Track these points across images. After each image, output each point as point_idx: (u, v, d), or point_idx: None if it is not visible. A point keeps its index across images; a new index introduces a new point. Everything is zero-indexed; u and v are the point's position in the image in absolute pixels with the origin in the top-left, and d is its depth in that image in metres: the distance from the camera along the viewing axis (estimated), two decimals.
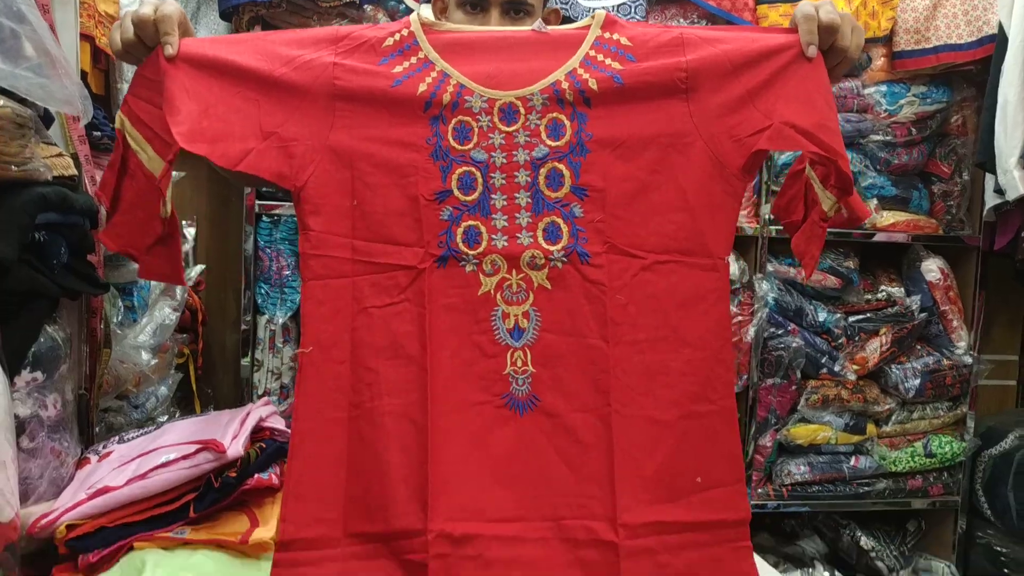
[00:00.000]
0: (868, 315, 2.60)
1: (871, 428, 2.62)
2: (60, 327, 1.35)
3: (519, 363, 1.10)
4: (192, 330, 2.28)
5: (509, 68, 1.11)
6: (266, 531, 1.20)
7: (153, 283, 1.87)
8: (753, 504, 2.54)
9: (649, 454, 1.10)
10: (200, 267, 2.13)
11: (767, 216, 2.50)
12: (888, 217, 2.59)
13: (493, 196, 1.11)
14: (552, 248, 1.11)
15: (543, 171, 1.11)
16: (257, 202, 2.27)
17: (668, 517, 1.09)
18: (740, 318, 2.48)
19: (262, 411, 1.40)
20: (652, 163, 1.11)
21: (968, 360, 2.64)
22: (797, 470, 2.57)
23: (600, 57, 1.12)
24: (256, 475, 1.26)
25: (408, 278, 1.10)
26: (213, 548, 1.20)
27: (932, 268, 2.61)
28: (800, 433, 2.57)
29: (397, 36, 1.12)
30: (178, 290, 1.99)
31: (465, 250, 1.10)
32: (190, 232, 2.34)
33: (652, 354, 1.10)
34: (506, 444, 1.09)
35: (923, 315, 2.61)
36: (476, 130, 1.11)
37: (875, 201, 2.58)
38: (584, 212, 1.11)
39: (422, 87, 1.10)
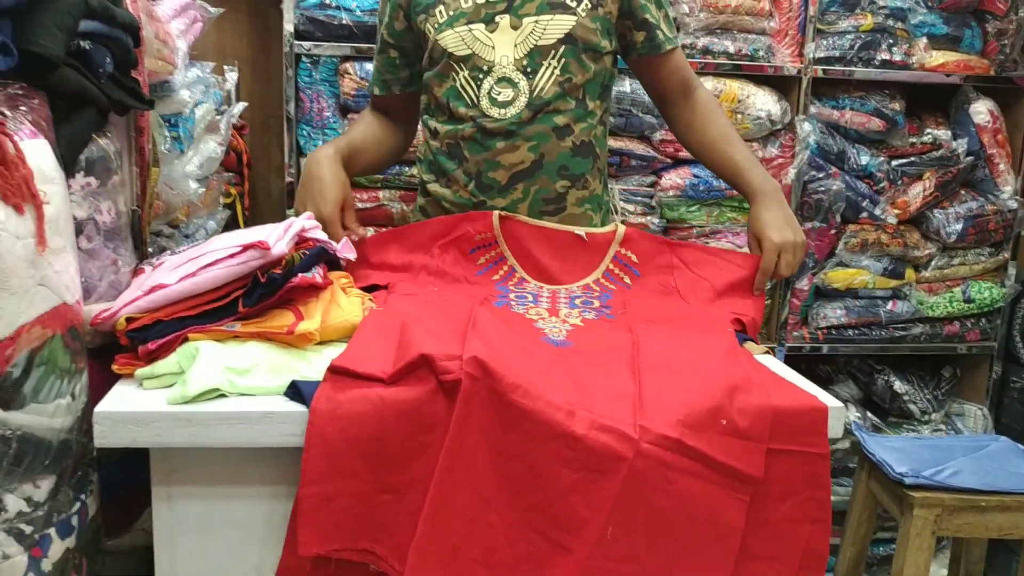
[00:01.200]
0: (912, 159, 2.57)
1: (910, 273, 2.63)
2: (110, 141, 1.40)
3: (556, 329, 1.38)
4: (238, 172, 2.34)
5: (557, 266, 1.59)
6: (310, 323, 1.27)
7: (198, 115, 1.91)
8: (788, 347, 2.59)
9: (677, 393, 1.15)
10: (242, 104, 2.17)
11: (811, 55, 2.44)
12: (937, 57, 2.52)
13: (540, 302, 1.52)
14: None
15: (578, 301, 1.53)
16: (296, 43, 2.28)
17: (688, 441, 1.10)
18: (780, 160, 2.47)
19: (305, 223, 1.46)
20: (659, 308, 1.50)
21: (1013, 205, 2.60)
22: (833, 314, 2.60)
23: (617, 271, 1.59)
24: (300, 274, 1.32)
25: None
26: (261, 339, 1.27)
27: (981, 110, 2.55)
28: (838, 277, 2.58)
29: (485, 234, 1.60)
30: (222, 125, 2.04)
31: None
32: (232, 76, 2.37)
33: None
34: (544, 352, 1.26)
35: (969, 159, 2.56)
36: (529, 297, 1.54)
37: (924, 40, 2.50)
38: (611, 309, 1.49)
39: (495, 276, 1.58)
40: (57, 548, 1.12)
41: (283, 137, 2.37)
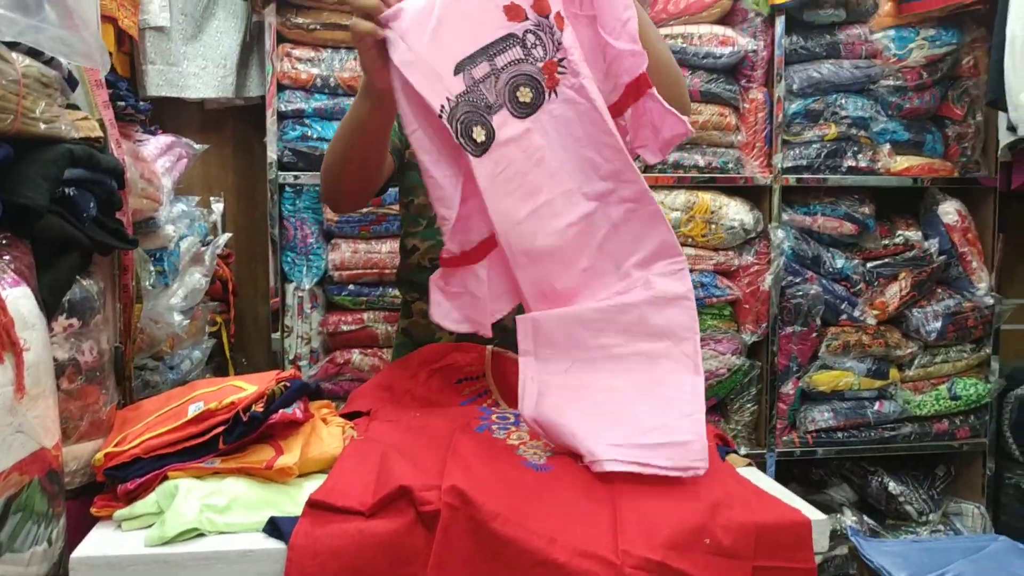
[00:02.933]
0: (886, 260, 2.62)
1: (894, 372, 2.64)
2: (93, 281, 1.43)
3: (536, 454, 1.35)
4: (223, 300, 2.38)
5: None
6: (290, 458, 1.27)
7: (183, 249, 1.96)
8: (779, 452, 2.58)
9: (658, 514, 1.15)
10: (227, 235, 2.22)
11: (780, 165, 2.52)
12: (902, 161, 2.60)
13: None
14: None
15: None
16: (280, 173, 2.35)
17: (672, 563, 1.09)
18: (756, 267, 2.52)
19: None
20: None
21: (989, 301, 2.65)
22: (821, 416, 2.60)
23: None
24: (281, 410, 1.33)
25: None
26: (241, 475, 1.27)
27: (949, 210, 2.62)
28: (822, 380, 2.60)
29: (474, 367, 1.62)
30: (207, 257, 2.08)
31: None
32: (218, 207, 2.43)
33: None
34: (525, 478, 1.25)
35: (942, 258, 2.62)
36: (510, 418, 1.50)
37: (888, 146, 2.59)
38: None
39: (477, 410, 1.53)
40: None
41: (268, 264, 2.42)
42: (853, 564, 2.59)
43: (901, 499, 2.69)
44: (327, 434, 1.39)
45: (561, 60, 1.34)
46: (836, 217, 2.58)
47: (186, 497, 1.21)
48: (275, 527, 1.14)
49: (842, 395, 2.63)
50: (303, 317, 2.40)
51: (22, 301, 1.12)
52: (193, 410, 1.32)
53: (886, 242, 2.66)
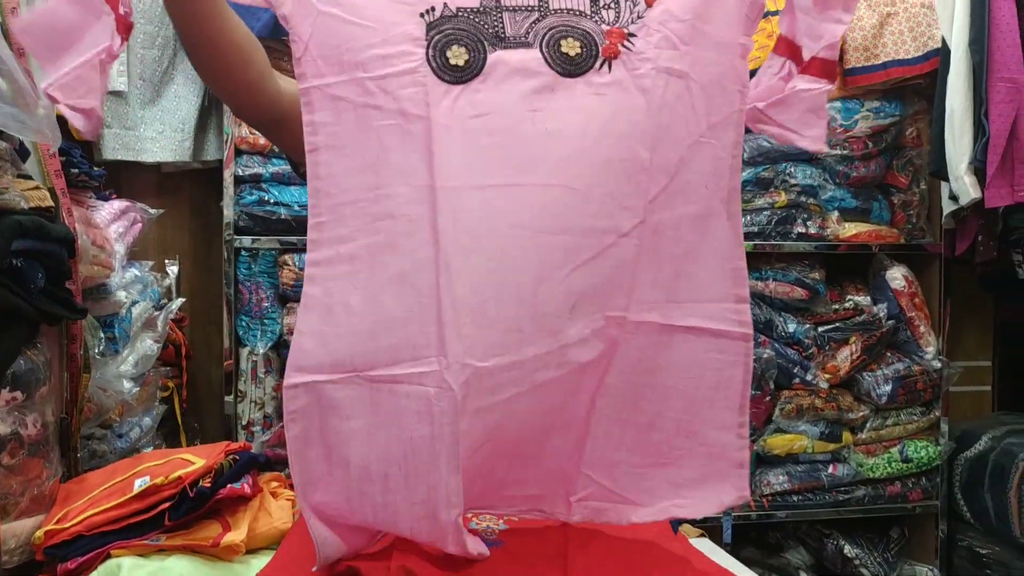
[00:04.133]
0: (837, 324, 2.67)
1: (847, 436, 2.67)
2: (40, 351, 1.41)
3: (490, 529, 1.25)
4: (176, 365, 2.34)
5: None
6: (237, 535, 1.25)
7: (135, 315, 1.93)
8: (735, 516, 2.58)
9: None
10: (180, 300, 2.20)
11: None
12: (850, 228, 2.67)
13: None
14: None
15: None
16: (236, 237, 2.35)
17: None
18: None
19: None
20: None
21: (937, 365, 2.70)
22: (776, 480, 2.62)
23: None
24: (229, 485, 1.31)
25: None
26: (186, 552, 1.25)
27: (896, 276, 2.68)
28: (777, 443, 2.62)
29: None
30: (159, 322, 2.06)
31: None
32: (172, 270, 2.42)
33: None
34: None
35: (891, 322, 2.67)
36: None
37: (836, 213, 2.66)
38: None
39: None
40: None
41: (223, 327, 2.40)
42: None
43: (856, 562, 2.70)
44: (276, 508, 1.37)
45: (631, 35, 1.08)
46: (787, 282, 2.63)
47: (129, 575, 1.18)
48: None
49: (796, 458, 2.65)
50: (257, 382, 2.37)
51: None
52: (139, 485, 1.30)
53: (836, 307, 2.71)
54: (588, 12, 1.07)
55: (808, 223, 2.62)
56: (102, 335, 1.82)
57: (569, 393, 1.10)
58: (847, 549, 2.72)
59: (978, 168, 2.34)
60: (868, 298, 2.72)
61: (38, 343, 1.40)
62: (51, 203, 1.44)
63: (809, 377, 2.61)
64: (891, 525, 2.83)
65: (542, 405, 1.09)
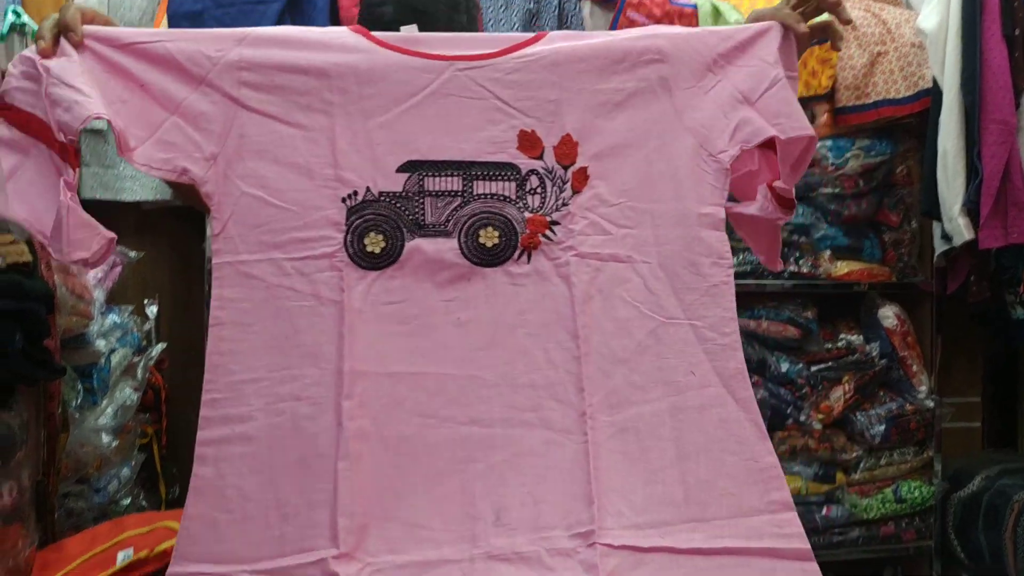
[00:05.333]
0: (830, 364, 2.64)
1: (840, 476, 2.64)
2: (16, 413, 1.34)
3: None
4: (156, 409, 2.27)
5: None
6: None
7: (114, 363, 1.87)
8: None
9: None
10: (161, 346, 2.13)
11: None
12: (842, 267, 2.64)
13: None
14: None
15: None
16: None
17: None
18: None
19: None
20: None
21: (930, 404, 2.67)
22: None
23: None
24: None
25: None
26: None
27: (888, 315, 2.66)
28: None
29: None
30: (139, 370, 1.99)
31: None
32: (151, 310, 2.34)
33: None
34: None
35: (883, 361, 2.65)
36: None
37: (828, 252, 2.64)
38: None
39: None
40: None
41: (204, 372, 2.32)
42: None
43: None
44: None
45: (554, 223, 1.08)
46: (780, 321, 2.60)
47: None
48: None
49: None
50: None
51: None
52: (122, 558, 1.24)
53: (829, 345, 2.68)
54: (513, 197, 1.07)
55: (800, 261, 2.60)
56: (80, 387, 1.75)
57: None
58: None
59: (971, 209, 2.33)
60: (861, 337, 2.69)
61: (14, 405, 1.34)
62: (28, 257, 1.38)
63: (803, 417, 2.58)
64: (884, 565, 2.80)
65: None
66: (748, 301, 2.61)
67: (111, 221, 2.43)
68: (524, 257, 1.07)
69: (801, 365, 2.62)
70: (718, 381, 1.06)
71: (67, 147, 0.98)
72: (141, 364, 1.99)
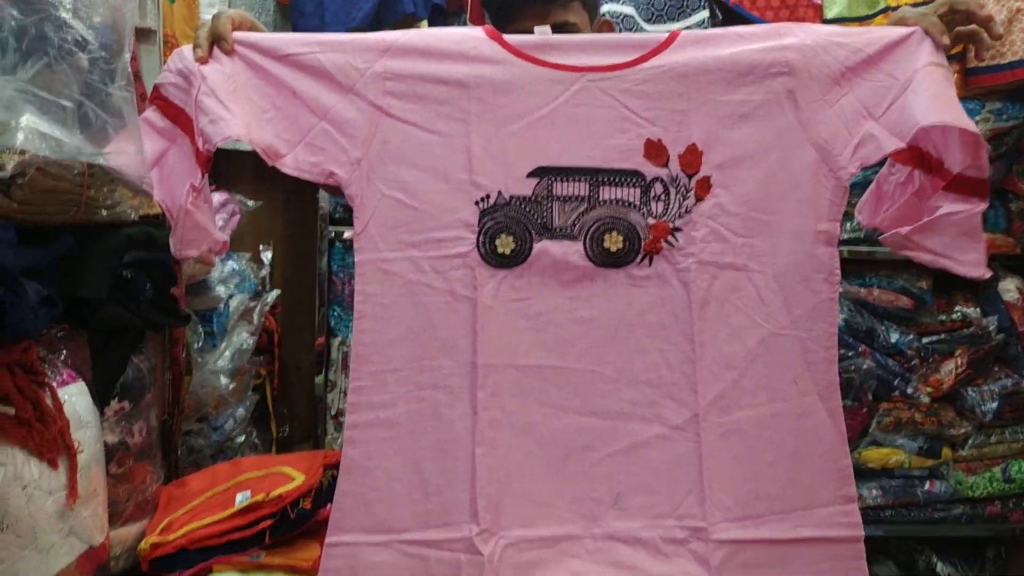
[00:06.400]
0: (942, 336, 2.54)
1: (946, 452, 2.56)
2: (145, 357, 1.42)
3: None
4: (268, 352, 2.37)
5: None
6: None
7: (232, 307, 1.95)
8: None
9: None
10: (276, 292, 2.21)
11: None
12: None
13: None
14: None
15: None
16: (330, 228, 2.35)
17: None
18: None
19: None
20: None
21: None
22: (869, 494, 2.53)
23: None
24: (328, 504, 1.31)
25: None
26: (287, 572, 1.25)
27: (1010, 288, 2.54)
28: (872, 456, 2.53)
29: None
30: (255, 314, 2.07)
31: None
32: (267, 256, 2.43)
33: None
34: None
35: (1000, 336, 2.53)
36: None
37: None
38: None
39: None
40: None
41: (314, 316, 2.41)
42: None
43: None
44: None
45: (676, 230, 1.12)
46: (892, 290, 2.51)
47: None
48: None
49: (891, 473, 2.55)
50: (346, 372, 2.38)
51: (77, 398, 1.12)
52: (240, 500, 1.31)
53: (943, 317, 2.57)
54: (637, 204, 1.11)
55: None
56: (201, 330, 1.84)
57: None
58: (939, 567, 2.63)
59: None
60: (978, 310, 2.58)
61: (143, 350, 1.42)
62: (159, 209, 1.45)
63: (910, 390, 2.50)
64: (986, 545, 2.72)
65: None
66: (859, 269, 2.53)
67: (230, 169, 2.49)
68: (646, 261, 1.12)
69: (912, 336, 2.53)
70: (814, 391, 1.11)
71: (201, 153, 1.05)
72: (257, 309, 2.07)
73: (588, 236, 1.12)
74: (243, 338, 1.99)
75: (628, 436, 1.10)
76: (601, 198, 1.11)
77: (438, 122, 1.10)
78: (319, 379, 2.44)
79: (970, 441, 2.58)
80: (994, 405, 2.52)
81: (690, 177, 1.12)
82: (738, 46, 1.11)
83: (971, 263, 1.13)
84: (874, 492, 2.53)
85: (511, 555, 1.07)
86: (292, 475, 1.35)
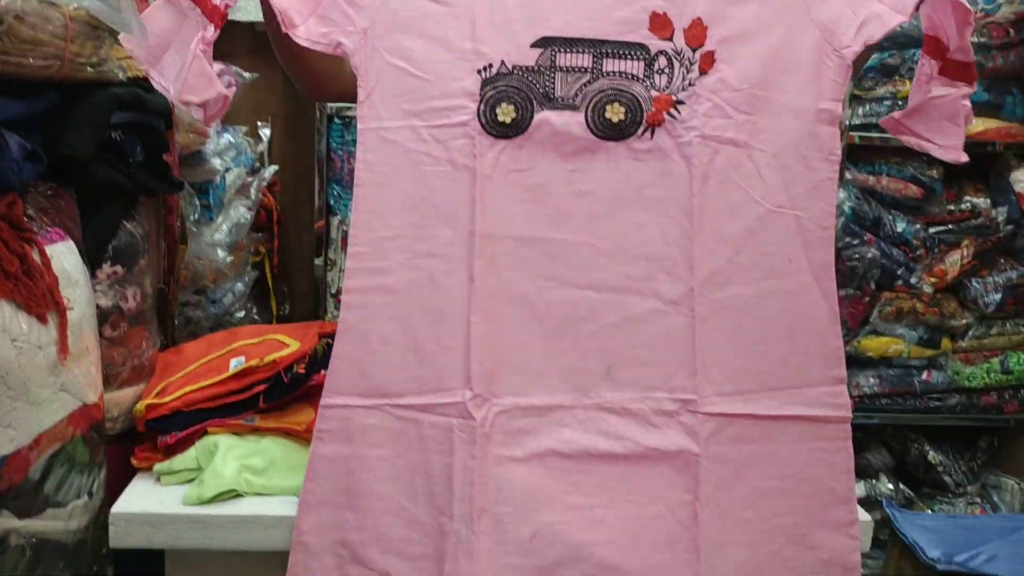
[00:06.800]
0: (950, 226, 2.51)
1: (946, 342, 2.57)
2: (138, 224, 1.41)
3: None
4: (268, 229, 2.35)
5: None
6: None
7: (228, 181, 1.92)
8: None
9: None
10: (273, 168, 2.18)
11: (847, 122, 2.41)
12: (978, 124, 2.46)
13: None
14: None
15: None
16: (328, 104, 2.29)
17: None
18: None
19: None
20: None
21: None
22: (866, 382, 2.55)
23: None
24: (322, 371, 1.31)
25: None
26: (280, 435, 1.27)
27: (1022, 179, 2.50)
28: (871, 345, 2.53)
29: None
30: (252, 189, 2.05)
31: None
32: (265, 133, 2.39)
33: None
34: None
35: (1009, 227, 2.50)
36: None
37: None
38: None
39: None
40: None
41: (314, 194, 2.38)
42: (884, 531, 2.58)
43: (940, 469, 2.65)
44: None
45: (679, 103, 1.10)
46: (902, 179, 2.46)
47: (225, 456, 1.21)
48: None
49: (890, 362, 2.57)
50: (346, 251, 2.37)
51: (66, 256, 1.11)
52: (235, 365, 1.32)
53: (951, 207, 2.54)
54: (640, 76, 1.10)
55: None
56: (197, 202, 1.82)
57: (656, 490, 1.08)
58: (931, 455, 2.67)
59: None
60: (987, 200, 2.54)
61: (136, 216, 1.40)
62: None
63: (913, 280, 2.49)
64: (980, 434, 2.76)
65: (613, 491, 1.08)
66: (869, 155, 2.48)
67: (225, 40, 2.42)
68: (648, 133, 1.10)
69: (919, 226, 2.50)
70: (809, 270, 1.11)
71: (219, 9, 1.03)
72: (254, 184, 2.04)
73: (590, 106, 1.10)
74: (240, 212, 1.96)
75: (623, 310, 1.10)
76: (604, 70, 1.10)
77: None
78: (319, 261, 2.43)
79: (970, 332, 2.58)
80: (997, 297, 2.51)
81: (694, 51, 1.10)
82: None
83: (950, 148, 1.14)
84: (871, 381, 2.55)
85: (503, 422, 1.08)
86: (287, 342, 1.35)
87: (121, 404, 1.33)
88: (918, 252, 2.50)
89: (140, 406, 1.29)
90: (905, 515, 2.16)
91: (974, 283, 2.53)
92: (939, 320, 2.53)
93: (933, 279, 2.51)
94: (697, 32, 1.10)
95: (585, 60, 1.10)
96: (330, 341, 1.37)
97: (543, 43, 1.09)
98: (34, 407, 1.01)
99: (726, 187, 1.10)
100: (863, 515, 1.21)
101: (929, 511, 2.65)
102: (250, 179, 2.08)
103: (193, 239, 1.68)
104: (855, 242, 2.45)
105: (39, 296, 1.01)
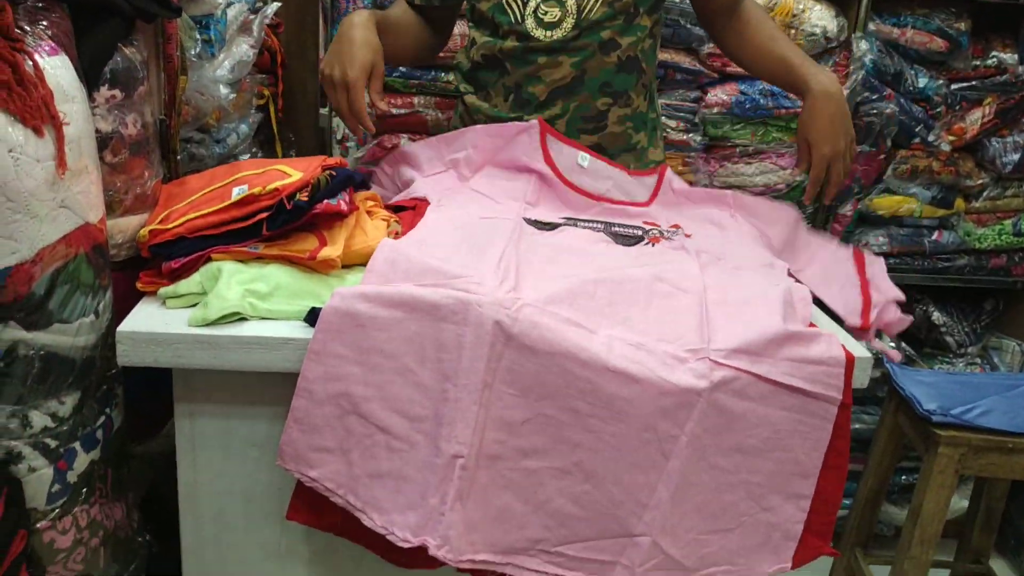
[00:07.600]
0: (973, 83, 2.44)
1: (959, 203, 2.54)
2: (136, 50, 1.37)
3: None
4: (272, 72, 2.30)
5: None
6: (333, 250, 1.26)
7: (230, 16, 1.87)
8: None
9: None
10: (276, 4, 2.11)
11: None
12: None
13: None
14: None
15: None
16: None
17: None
18: None
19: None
20: None
21: None
22: (875, 241, 2.53)
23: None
24: (325, 200, 1.31)
25: None
26: (284, 263, 1.27)
27: None
28: (883, 204, 2.51)
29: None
30: (255, 27, 1.99)
31: None
32: None
33: None
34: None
35: None
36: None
37: None
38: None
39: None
40: (82, 460, 1.16)
41: (318, 36, 2.32)
42: (883, 388, 2.62)
43: (943, 330, 2.67)
44: (371, 227, 1.38)
45: (672, 234, 1.48)
46: (927, 31, 2.37)
47: (229, 281, 1.21)
48: (316, 317, 1.15)
49: (901, 221, 2.54)
50: None
51: (61, 72, 1.08)
52: (237, 193, 1.31)
53: (977, 63, 2.45)
54: (639, 235, 1.48)
55: None
56: (198, 36, 1.77)
57: (650, 420, 1.12)
58: (935, 316, 2.68)
59: None
60: (1015, 56, 2.45)
61: (134, 41, 1.36)
62: None
63: (931, 137, 2.44)
64: (986, 297, 2.76)
65: (609, 408, 1.12)
66: (894, 6, 2.38)
67: None
68: (650, 244, 1.45)
69: (941, 82, 2.43)
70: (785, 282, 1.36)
71: None
72: (257, 21, 1.98)
73: (604, 230, 1.49)
74: (243, 50, 1.91)
75: (644, 289, 1.25)
76: (613, 226, 1.50)
77: None
78: (324, 110, 2.39)
79: (985, 193, 2.55)
80: (1016, 157, 2.46)
81: (676, 230, 1.50)
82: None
83: None
84: (880, 239, 2.53)
85: (524, 312, 1.11)
86: (289, 172, 1.33)
87: (125, 231, 1.33)
88: (938, 109, 2.44)
89: (144, 231, 1.29)
90: (904, 370, 2.19)
91: (993, 142, 2.48)
92: (954, 180, 2.49)
93: (952, 137, 2.45)
94: (676, 227, 1.51)
95: (598, 227, 1.49)
96: (333, 173, 1.35)
97: (566, 222, 1.50)
98: (35, 220, 1.01)
99: (709, 261, 1.40)
100: (862, 351, 1.23)
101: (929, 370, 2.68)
102: (252, 17, 2.01)
103: (194, 70, 1.65)
104: (874, 97, 2.39)
105: (34, 108, 0.99)
